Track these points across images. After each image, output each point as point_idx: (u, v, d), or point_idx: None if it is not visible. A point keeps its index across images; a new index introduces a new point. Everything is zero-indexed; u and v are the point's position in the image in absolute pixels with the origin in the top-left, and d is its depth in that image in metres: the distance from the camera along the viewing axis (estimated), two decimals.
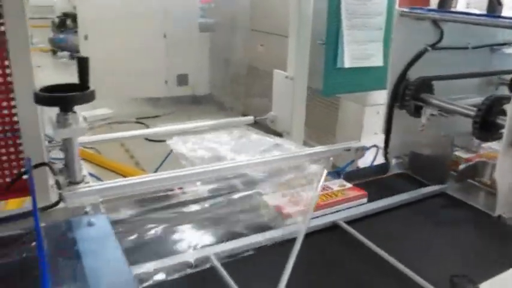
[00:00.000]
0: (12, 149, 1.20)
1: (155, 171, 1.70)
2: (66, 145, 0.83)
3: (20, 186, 1.15)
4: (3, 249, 0.75)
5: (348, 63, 1.48)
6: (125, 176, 1.54)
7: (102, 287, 0.58)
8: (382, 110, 2.48)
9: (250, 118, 1.64)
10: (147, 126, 3.43)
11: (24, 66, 1.12)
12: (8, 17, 1.08)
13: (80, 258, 0.64)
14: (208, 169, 1.07)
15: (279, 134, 1.67)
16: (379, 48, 1.53)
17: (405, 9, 1.20)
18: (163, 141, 2.79)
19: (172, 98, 3.94)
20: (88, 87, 0.84)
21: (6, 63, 1.13)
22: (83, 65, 0.85)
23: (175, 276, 0.77)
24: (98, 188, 0.83)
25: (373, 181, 1.23)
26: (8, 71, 1.13)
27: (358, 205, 1.05)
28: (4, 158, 1.20)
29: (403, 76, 1.24)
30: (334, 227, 0.97)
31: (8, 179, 1.21)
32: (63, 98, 0.81)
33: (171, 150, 1.61)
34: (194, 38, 3.90)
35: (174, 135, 1.61)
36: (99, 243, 0.67)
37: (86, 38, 3.81)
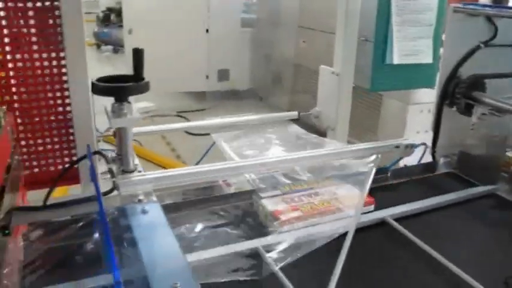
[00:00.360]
0: (64, 138, 1.24)
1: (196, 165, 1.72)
2: (121, 134, 0.85)
3: (70, 175, 1.19)
4: (63, 232, 0.77)
5: (396, 59, 1.46)
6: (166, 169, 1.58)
7: (158, 273, 0.59)
8: (426, 109, 2.46)
9: (294, 113, 1.64)
10: (188, 120, 3.48)
11: (79, 58, 1.16)
12: (65, 8, 1.12)
13: (136, 244, 0.65)
14: (253, 163, 1.08)
15: (321, 133, 1.66)
16: (428, 45, 1.50)
17: (459, 5, 1.17)
18: (204, 134, 2.82)
19: (213, 92, 3.98)
20: (143, 79, 0.86)
21: (62, 54, 1.17)
22: (138, 57, 0.87)
23: (224, 265, 0.78)
24: (150, 177, 0.85)
25: (420, 179, 1.21)
26: (63, 62, 1.18)
27: (365, 212, 0.98)
28: (56, 146, 1.25)
29: (454, 73, 1.21)
30: (382, 224, 0.96)
31: (59, 168, 1.26)
32: (119, 88, 0.83)
33: (214, 143, 1.63)
34: (236, 33, 3.93)
35: (218, 128, 1.62)
36: (154, 230, 0.69)
37: (130, 32, 3.89)
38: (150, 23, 3.64)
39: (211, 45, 3.87)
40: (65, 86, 1.18)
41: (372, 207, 1.00)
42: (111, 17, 6.82)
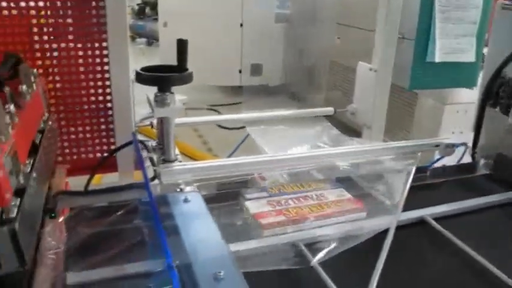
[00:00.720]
0: (103, 127, 1.27)
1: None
2: (163, 124, 0.86)
3: (108, 163, 1.22)
4: (105, 218, 0.79)
5: (438, 57, 1.44)
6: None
7: (201, 261, 0.59)
8: (462, 109, 2.41)
9: (330, 109, 1.63)
10: (220, 114, 3.49)
11: (122, 48, 1.18)
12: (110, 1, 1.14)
13: (178, 232, 0.66)
14: (289, 157, 1.07)
15: (355, 131, 1.65)
16: (471, 43, 1.47)
17: (507, 3, 1.14)
18: (237, 128, 2.84)
19: (245, 87, 3.98)
20: (186, 69, 0.87)
21: (104, 44, 1.19)
22: (182, 47, 0.88)
23: (262, 257, 0.78)
24: (191, 167, 0.85)
25: (459, 180, 1.18)
26: (105, 52, 1.20)
27: (354, 220, 0.93)
28: (96, 135, 1.27)
29: (498, 73, 1.18)
30: (421, 223, 0.94)
31: (97, 156, 1.29)
32: (163, 77, 0.84)
33: (247, 135, 1.63)
34: (270, 28, 3.92)
35: (253, 122, 1.63)
36: (196, 219, 0.69)
37: (165, 25, 3.93)
38: (185, 16, 3.66)
39: (245, 40, 3.87)
40: (107, 75, 1.21)
41: (364, 214, 0.94)
42: (146, 10, 6.91)
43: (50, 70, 1.17)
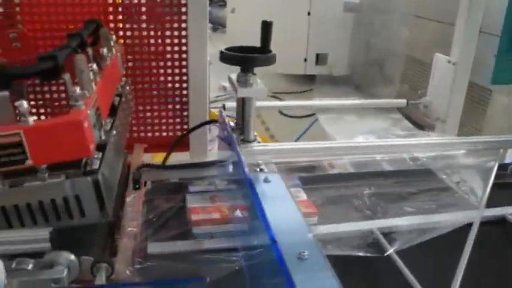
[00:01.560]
0: (178, 106, 1.29)
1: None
2: (245, 104, 0.87)
3: (181, 142, 1.25)
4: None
5: None
6: None
7: (285, 241, 0.60)
8: None
9: (402, 101, 1.59)
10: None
11: (201, 31, 1.20)
12: None
13: (262, 212, 0.66)
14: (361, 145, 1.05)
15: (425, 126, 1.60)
16: None
17: None
18: (299, 117, 2.82)
19: (309, 76, 3.95)
20: (270, 51, 0.87)
21: (184, 25, 1.21)
22: (266, 29, 0.88)
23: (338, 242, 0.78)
24: (271, 148, 0.86)
25: None
26: (184, 32, 1.22)
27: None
28: (170, 114, 1.30)
29: None
30: (502, 221, 0.91)
31: (170, 134, 1.32)
32: (247, 58, 0.85)
33: (314, 121, 1.61)
34: (337, 18, 3.85)
35: (322, 111, 1.62)
36: (277, 199, 0.69)
37: (233, 11, 3.95)
38: (253, 3, 3.67)
39: (312, 28, 3.83)
40: (184, 56, 1.23)
41: (315, 220, 0.86)
42: None
43: (129, 50, 1.21)
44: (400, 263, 0.74)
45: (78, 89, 0.61)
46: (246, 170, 0.64)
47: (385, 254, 0.76)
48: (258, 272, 0.62)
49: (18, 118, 0.58)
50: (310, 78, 3.94)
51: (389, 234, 0.82)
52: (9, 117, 0.59)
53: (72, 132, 0.58)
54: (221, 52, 0.86)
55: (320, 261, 0.57)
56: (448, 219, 0.84)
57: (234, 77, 0.88)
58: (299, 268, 0.54)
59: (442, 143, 1.09)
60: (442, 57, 1.54)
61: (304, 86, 3.89)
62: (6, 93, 0.59)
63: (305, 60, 3.87)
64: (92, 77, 0.69)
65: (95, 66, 0.73)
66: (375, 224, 0.84)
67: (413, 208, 0.90)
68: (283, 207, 0.68)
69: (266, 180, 0.74)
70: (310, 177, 1.01)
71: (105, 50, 0.87)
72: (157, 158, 1.26)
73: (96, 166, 0.64)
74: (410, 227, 0.83)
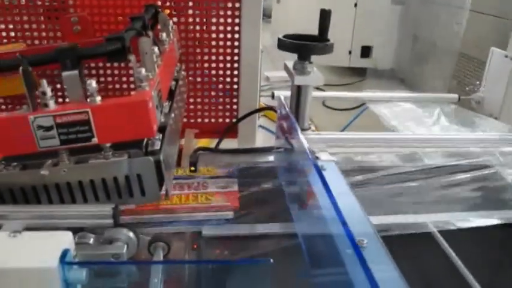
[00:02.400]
0: (228, 93, 1.30)
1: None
2: (300, 92, 0.87)
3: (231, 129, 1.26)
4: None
5: None
6: None
7: (342, 229, 0.59)
8: None
9: (454, 96, 1.55)
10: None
11: (254, 18, 1.20)
12: None
13: (316, 199, 0.67)
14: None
15: None
16: None
17: None
18: (341, 110, 2.79)
19: (353, 69, 3.91)
20: (328, 40, 0.87)
21: (237, 13, 1.22)
22: (324, 18, 0.88)
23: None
24: (326, 137, 0.86)
25: None
26: (237, 20, 1.22)
27: (218, 218, 0.80)
28: (220, 100, 1.31)
29: None
30: None
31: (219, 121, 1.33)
32: (306, 46, 0.85)
33: (361, 111, 1.59)
34: (384, 10, 3.78)
35: (371, 103, 1.59)
36: (333, 187, 0.70)
37: (278, 1, 3.93)
38: None
39: (358, 21, 3.78)
40: (236, 43, 1.24)
41: (231, 214, 0.80)
42: None
43: (183, 35, 1.22)
44: (453, 256, 0.72)
45: (143, 70, 0.62)
46: (311, 156, 0.64)
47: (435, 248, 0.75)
48: (320, 257, 0.62)
49: (86, 97, 0.59)
50: (352, 71, 3.90)
51: (440, 229, 0.80)
52: (78, 95, 0.61)
53: (137, 112, 0.59)
54: (279, 39, 0.86)
55: (380, 250, 0.57)
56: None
57: (290, 64, 0.88)
58: None
59: (498, 139, 1.07)
60: (499, 52, 1.49)
61: (347, 78, 3.84)
62: (75, 72, 0.60)
63: (350, 52, 3.83)
64: (154, 59, 0.70)
65: (156, 49, 0.74)
66: (423, 218, 0.82)
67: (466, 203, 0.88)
68: (339, 195, 0.67)
69: (322, 168, 0.74)
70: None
71: (163, 35, 0.88)
72: (200, 143, 1.28)
73: (157, 147, 0.66)
74: (461, 224, 0.82)
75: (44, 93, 0.57)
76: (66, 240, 0.50)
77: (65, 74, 0.59)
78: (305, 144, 0.68)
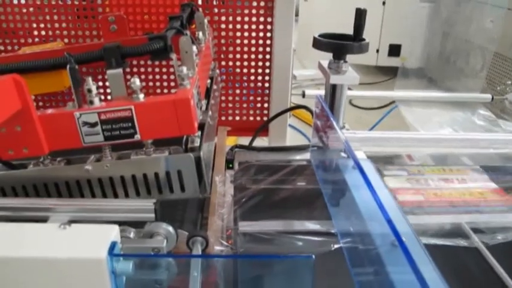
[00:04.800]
0: (260, 92, 1.31)
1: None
2: (335, 91, 0.87)
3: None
4: (275, 174, 0.82)
5: None
6: None
7: (379, 227, 0.60)
8: None
9: (487, 96, 1.53)
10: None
11: (287, 18, 1.20)
12: None
13: (352, 198, 0.67)
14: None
15: None
16: None
17: None
18: (369, 109, 2.77)
19: (380, 67, 3.88)
20: (363, 39, 0.87)
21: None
22: (360, 17, 0.88)
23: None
24: (360, 136, 0.86)
25: None
26: (269, 19, 1.23)
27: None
28: (251, 98, 1.32)
29: None
30: None
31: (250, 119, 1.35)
32: (341, 45, 0.85)
33: (390, 110, 1.58)
34: (413, 8, 3.74)
35: (401, 102, 1.59)
36: (369, 186, 0.70)
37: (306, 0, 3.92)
38: None
39: (386, 18, 3.75)
40: (268, 42, 1.25)
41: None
42: None
43: (216, 34, 1.24)
44: (491, 258, 0.72)
45: (185, 69, 0.63)
46: (355, 154, 0.65)
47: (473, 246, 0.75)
48: (360, 256, 0.62)
49: (130, 94, 0.61)
50: (378, 70, 3.87)
51: (476, 229, 0.80)
52: (122, 92, 0.62)
53: (180, 110, 0.61)
54: (314, 38, 0.87)
55: (416, 249, 0.57)
56: None
57: (324, 64, 0.88)
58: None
59: None
60: None
61: (374, 77, 3.82)
62: (120, 70, 0.62)
63: (377, 51, 3.80)
64: (194, 58, 0.71)
65: (194, 48, 0.76)
66: (458, 218, 0.82)
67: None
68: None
69: (355, 167, 0.74)
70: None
71: (200, 34, 0.90)
72: (229, 141, 1.29)
73: (197, 144, 0.67)
74: (498, 225, 0.81)
75: (89, 91, 0.58)
76: (113, 233, 0.51)
77: (109, 71, 0.61)
78: (348, 142, 0.68)
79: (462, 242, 0.76)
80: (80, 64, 0.62)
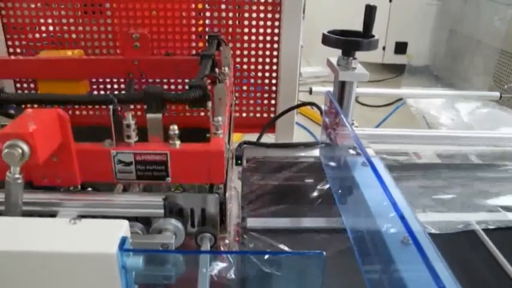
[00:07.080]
0: (267, 88, 1.31)
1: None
2: (344, 88, 0.87)
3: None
4: (284, 171, 0.82)
5: None
6: None
7: (389, 225, 0.60)
8: None
9: (495, 94, 1.53)
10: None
11: (295, 16, 1.19)
12: None
13: (361, 195, 0.67)
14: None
15: None
16: None
17: None
18: (375, 106, 2.76)
19: (387, 65, 3.86)
20: (372, 36, 0.86)
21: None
22: (369, 13, 0.87)
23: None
24: (368, 133, 0.86)
25: None
26: (277, 15, 1.22)
27: None
28: (259, 95, 1.32)
29: None
30: None
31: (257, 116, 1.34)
32: (350, 41, 0.85)
33: (397, 108, 1.58)
34: (421, 6, 3.72)
35: (409, 97, 1.58)
36: (378, 183, 0.70)
37: None
38: None
39: (393, 16, 3.73)
40: (276, 38, 1.24)
41: None
42: None
43: (224, 30, 1.23)
44: (500, 257, 0.72)
45: (220, 119, 0.63)
46: (367, 152, 0.64)
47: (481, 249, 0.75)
48: (370, 253, 0.62)
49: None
50: (384, 67, 3.85)
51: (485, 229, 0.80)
52: (159, 136, 0.63)
53: (213, 160, 0.61)
54: (324, 35, 0.86)
55: (430, 249, 0.56)
56: None
57: (333, 60, 0.88)
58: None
59: None
60: None
61: (380, 74, 3.80)
62: (159, 115, 0.62)
63: (383, 48, 3.78)
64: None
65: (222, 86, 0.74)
66: (467, 217, 0.82)
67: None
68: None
69: (364, 164, 0.74)
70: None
71: (226, 69, 0.87)
72: (235, 138, 1.29)
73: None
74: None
75: (128, 126, 0.59)
76: (123, 228, 0.51)
77: (149, 115, 0.62)
78: (359, 139, 0.68)
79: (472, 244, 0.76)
80: (121, 103, 0.63)
